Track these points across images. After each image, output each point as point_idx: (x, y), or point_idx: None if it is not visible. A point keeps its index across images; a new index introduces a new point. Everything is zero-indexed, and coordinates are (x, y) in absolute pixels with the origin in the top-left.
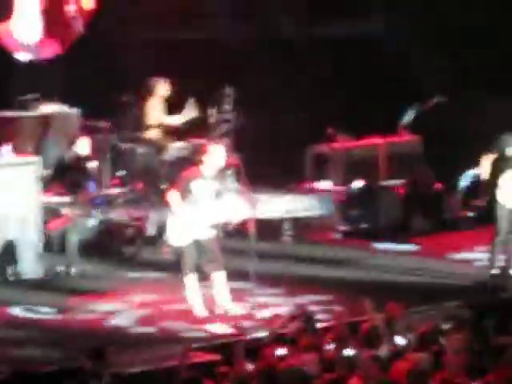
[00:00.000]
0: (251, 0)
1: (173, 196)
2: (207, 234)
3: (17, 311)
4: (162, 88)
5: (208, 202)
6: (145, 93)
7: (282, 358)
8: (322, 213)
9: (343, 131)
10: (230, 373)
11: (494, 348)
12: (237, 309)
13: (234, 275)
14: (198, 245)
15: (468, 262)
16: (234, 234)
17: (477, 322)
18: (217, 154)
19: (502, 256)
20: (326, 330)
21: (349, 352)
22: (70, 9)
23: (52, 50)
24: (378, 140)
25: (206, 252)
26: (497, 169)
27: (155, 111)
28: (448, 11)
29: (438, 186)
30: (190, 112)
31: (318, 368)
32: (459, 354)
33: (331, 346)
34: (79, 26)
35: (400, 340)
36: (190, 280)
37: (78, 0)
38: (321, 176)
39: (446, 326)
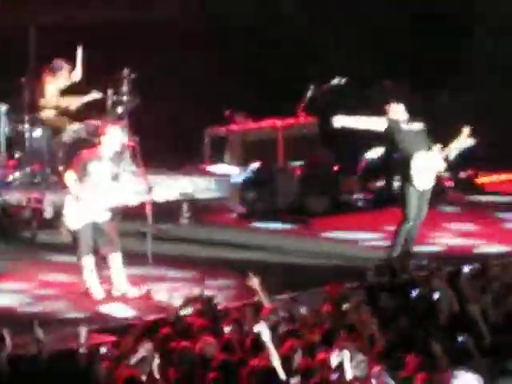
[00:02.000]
0: None
1: (70, 177)
2: (104, 216)
3: None
4: (62, 70)
5: (105, 183)
6: (42, 75)
7: (176, 340)
8: (220, 195)
9: (241, 113)
10: (124, 354)
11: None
12: (134, 291)
13: (131, 258)
14: (94, 227)
15: (362, 243)
16: (131, 216)
17: (373, 303)
18: (114, 136)
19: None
20: (225, 312)
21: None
22: None
23: None
24: (275, 122)
25: (102, 234)
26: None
27: (52, 93)
28: None
29: (336, 167)
30: (90, 96)
31: (215, 350)
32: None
33: (229, 328)
34: None
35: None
36: (87, 262)
37: None
38: (219, 158)
39: (345, 306)
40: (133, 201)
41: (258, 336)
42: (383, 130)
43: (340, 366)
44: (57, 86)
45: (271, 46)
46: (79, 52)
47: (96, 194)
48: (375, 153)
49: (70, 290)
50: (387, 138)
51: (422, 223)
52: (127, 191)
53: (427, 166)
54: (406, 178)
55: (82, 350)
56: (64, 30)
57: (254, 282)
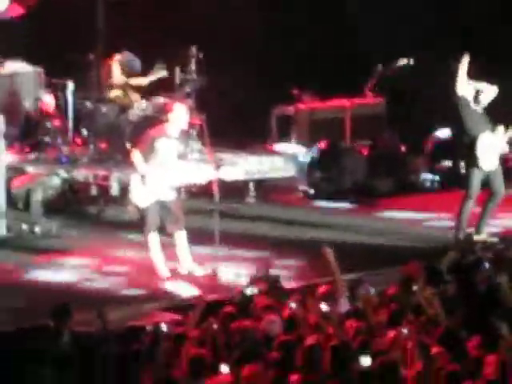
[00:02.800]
0: None
1: (137, 155)
2: (170, 194)
3: None
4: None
5: (172, 162)
6: (111, 54)
7: (236, 318)
8: (286, 174)
9: (308, 92)
10: (191, 332)
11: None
12: (200, 269)
13: (198, 237)
14: (160, 205)
15: (427, 223)
16: (197, 194)
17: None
18: (181, 114)
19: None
20: (291, 290)
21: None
22: None
23: (16, 11)
24: (343, 101)
25: (169, 212)
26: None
27: (120, 72)
28: None
29: (403, 147)
30: (157, 74)
31: (279, 329)
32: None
33: (293, 306)
34: None
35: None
36: (153, 239)
37: None
38: (285, 137)
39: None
40: (199, 179)
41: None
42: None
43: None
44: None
45: (338, 23)
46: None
47: (163, 172)
48: (442, 133)
49: (136, 266)
50: (459, 114)
51: (497, 204)
52: (194, 170)
53: (492, 147)
54: (471, 159)
55: (146, 328)
56: (132, 4)
57: (329, 254)
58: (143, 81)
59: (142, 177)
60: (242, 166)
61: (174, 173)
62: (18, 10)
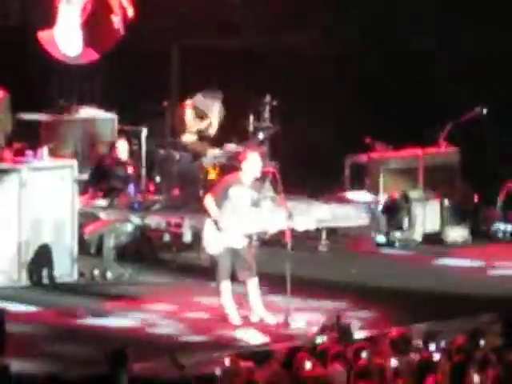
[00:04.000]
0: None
1: (210, 202)
2: (242, 242)
3: (50, 314)
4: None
5: (245, 209)
6: (184, 99)
7: (310, 367)
8: (359, 223)
9: (381, 141)
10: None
11: None
12: (271, 317)
13: (270, 285)
14: (232, 253)
15: (500, 273)
16: (270, 243)
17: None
18: (254, 162)
19: None
20: (362, 340)
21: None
22: (115, 19)
23: (91, 58)
24: (416, 150)
25: (240, 260)
26: None
27: (191, 118)
28: None
29: (476, 197)
30: (215, 113)
31: (344, 378)
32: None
33: (364, 356)
34: (120, 35)
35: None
36: (225, 287)
37: (124, 10)
38: (359, 186)
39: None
40: (272, 228)
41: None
42: None
43: None
44: (195, 111)
45: (410, 73)
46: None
47: (236, 220)
48: None
49: (209, 313)
50: None
51: None
52: (267, 218)
53: None
54: None
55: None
56: (206, 54)
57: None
58: (210, 124)
59: (215, 223)
60: (314, 215)
61: (246, 221)
62: (92, 55)
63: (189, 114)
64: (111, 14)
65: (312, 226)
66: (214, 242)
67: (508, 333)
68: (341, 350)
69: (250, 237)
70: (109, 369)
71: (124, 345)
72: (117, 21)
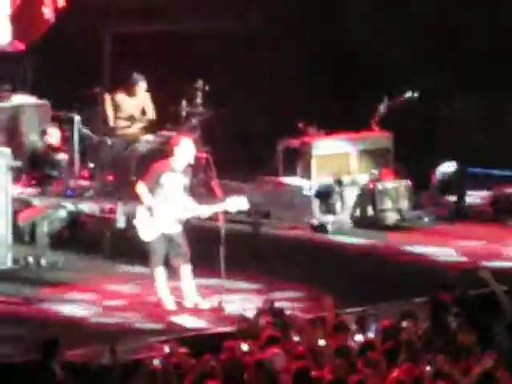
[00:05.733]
0: None
1: (142, 189)
2: (175, 228)
3: None
4: (140, 84)
5: (178, 195)
6: (117, 87)
7: (245, 351)
8: (292, 207)
9: (313, 125)
10: (195, 365)
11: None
12: (205, 302)
13: (203, 269)
14: (166, 238)
15: (431, 257)
16: (203, 227)
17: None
18: (187, 147)
19: None
20: (294, 323)
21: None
22: (45, 11)
23: (19, 48)
24: (348, 135)
25: (174, 246)
26: None
27: (126, 105)
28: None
29: (409, 181)
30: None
31: (283, 361)
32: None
33: (298, 339)
34: (50, 24)
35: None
36: (159, 272)
37: (55, 1)
38: (291, 170)
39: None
40: (205, 213)
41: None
42: None
43: None
44: (130, 98)
45: (344, 57)
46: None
47: (168, 206)
48: (448, 167)
49: (142, 300)
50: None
51: None
52: (199, 202)
53: None
54: None
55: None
56: (135, 40)
57: (328, 302)
58: (147, 116)
59: (148, 210)
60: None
61: (178, 206)
62: (19, 46)
63: (124, 103)
64: (42, 6)
65: (244, 207)
66: (148, 228)
67: (435, 315)
68: (277, 334)
69: (183, 222)
70: (41, 357)
71: (56, 334)
72: (47, 12)
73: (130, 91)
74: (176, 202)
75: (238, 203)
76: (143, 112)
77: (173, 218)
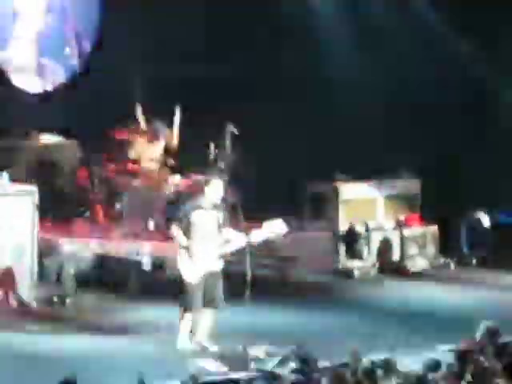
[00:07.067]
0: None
1: (176, 230)
2: (217, 264)
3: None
4: (162, 134)
5: (213, 231)
6: (143, 129)
7: None
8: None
9: (342, 172)
10: None
11: None
12: (214, 347)
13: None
14: (206, 278)
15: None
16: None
17: None
18: (216, 188)
19: None
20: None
21: None
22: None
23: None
24: (376, 180)
25: (211, 287)
26: None
27: (154, 147)
28: None
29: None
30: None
31: None
32: None
33: None
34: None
35: None
36: (189, 316)
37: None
38: (319, 214)
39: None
40: (244, 241)
41: None
42: None
43: None
44: (158, 141)
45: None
46: (177, 114)
47: (206, 244)
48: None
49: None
50: None
51: None
52: (229, 241)
53: None
54: None
55: None
56: (160, 84)
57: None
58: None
59: (186, 251)
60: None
61: (218, 242)
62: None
63: (146, 143)
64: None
65: (283, 230)
66: (190, 270)
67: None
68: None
69: (225, 258)
70: None
71: (74, 373)
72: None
73: (153, 138)
74: (214, 238)
75: (275, 226)
76: (167, 150)
77: (213, 256)
